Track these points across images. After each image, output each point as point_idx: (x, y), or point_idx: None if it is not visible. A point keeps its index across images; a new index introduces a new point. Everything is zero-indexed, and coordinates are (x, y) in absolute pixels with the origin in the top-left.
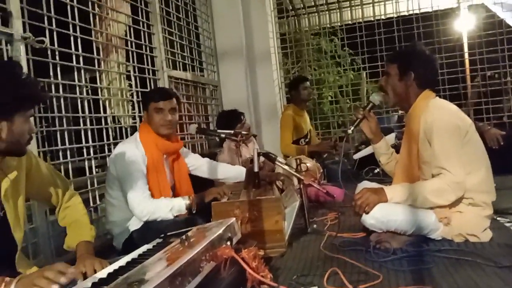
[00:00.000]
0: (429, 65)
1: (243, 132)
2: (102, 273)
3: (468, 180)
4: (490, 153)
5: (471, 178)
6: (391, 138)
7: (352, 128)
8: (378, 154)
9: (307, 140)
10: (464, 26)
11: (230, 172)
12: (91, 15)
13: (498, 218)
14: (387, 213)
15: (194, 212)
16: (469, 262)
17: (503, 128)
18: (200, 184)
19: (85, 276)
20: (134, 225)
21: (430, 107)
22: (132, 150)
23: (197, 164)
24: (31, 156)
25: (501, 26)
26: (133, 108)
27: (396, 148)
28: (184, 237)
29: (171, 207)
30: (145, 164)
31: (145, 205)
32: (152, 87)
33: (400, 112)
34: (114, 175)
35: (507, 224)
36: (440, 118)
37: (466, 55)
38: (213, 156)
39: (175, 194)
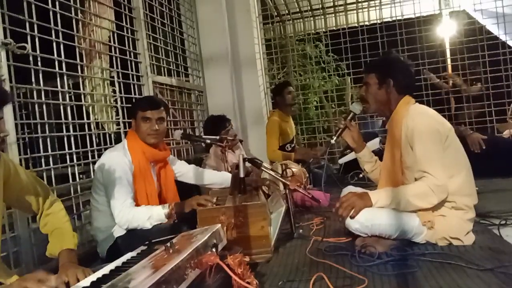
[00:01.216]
0: (406, 70)
1: (229, 138)
2: (85, 282)
3: (450, 184)
4: (473, 157)
5: (453, 182)
6: (375, 142)
7: (334, 138)
8: (362, 162)
9: (292, 145)
10: (446, 32)
11: (215, 178)
12: (74, 21)
13: (481, 221)
14: (372, 218)
15: (175, 221)
16: (452, 266)
17: (485, 132)
18: (186, 191)
19: (67, 286)
20: (119, 231)
21: (411, 112)
22: (119, 158)
23: (183, 171)
24: (9, 163)
25: (482, 32)
26: (117, 114)
27: (381, 152)
28: (168, 244)
29: (149, 216)
30: (132, 172)
31: (124, 213)
32: (137, 93)
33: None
34: (100, 181)
35: (490, 227)
36: (420, 123)
37: (449, 61)
38: (198, 162)
39: (161, 202)
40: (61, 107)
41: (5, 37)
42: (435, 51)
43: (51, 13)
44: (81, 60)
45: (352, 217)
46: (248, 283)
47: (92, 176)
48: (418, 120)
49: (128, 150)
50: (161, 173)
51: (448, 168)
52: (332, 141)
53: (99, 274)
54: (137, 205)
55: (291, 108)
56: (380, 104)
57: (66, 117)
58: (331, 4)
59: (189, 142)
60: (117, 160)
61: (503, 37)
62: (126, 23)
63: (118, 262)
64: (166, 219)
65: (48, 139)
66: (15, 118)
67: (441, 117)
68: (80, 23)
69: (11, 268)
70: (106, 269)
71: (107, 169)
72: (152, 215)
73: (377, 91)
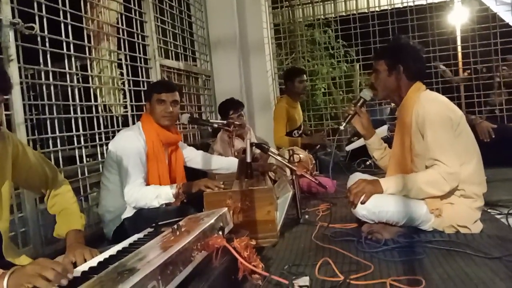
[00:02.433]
0: (416, 56)
1: (236, 122)
2: (93, 262)
3: (460, 172)
4: (482, 146)
5: (464, 170)
6: (383, 130)
7: (344, 124)
8: (371, 149)
9: (300, 132)
10: (458, 19)
11: (222, 163)
12: (82, 1)
13: (489, 210)
14: (379, 204)
15: (184, 201)
16: (459, 253)
17: (495, 121)
18: (193, 178)
19: (75, 265)
20: (126, 213)
21: (422, 99)
22: (134, 137)
23: (192, 156)
24: (18, 143)
25: (495, 19)
26: (125, 97)
27: (388, 140)
28: (175, 226)
29: (157, 194)
30: (145, 152)
31: (134, 191)
32: (144, 76)
33: (392, 104)
34: (113, 159)
35: (498, 216)
36: (432, 110)
37: (459, 48)
38: (205, 147)
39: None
40: (69, 88)
41: (13, 17)
42: (446, 38)
43: None
44: (89, 42)
45: (363, 203)
46: (254, 266)
47: (100, 158)
48: (429, 107)
49: (143, 131)
50: (172, 156)
51: (459, 156)
52: (341, 127)
53: (106, 254)
54: (148, 185)
55: (300, 96)
56: (390, 91)
57: (73, 99)
58: None
59: (196, 127)
60: (132, 139)
61: None
62: (134, 5)
63: (125, 243)
64: (174, 198)
65: (56, 121)
66: (23, 99)
67: (452, 104)
68: (88, 4)
69: (19, 248)
70: (113, 250)
71: (121, 147)
72: (160, 194)
73: (387, 78)
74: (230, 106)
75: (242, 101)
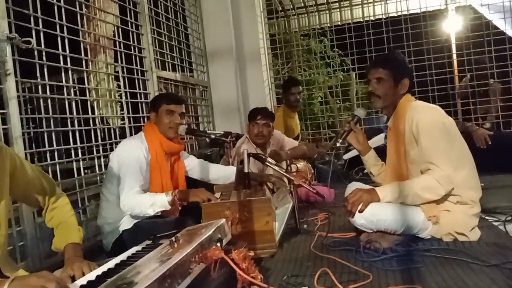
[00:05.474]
0: (411, 71)
1: (233, 133)
2: (91, 276)
3: (454, 176)
4: (478, 153)
5: (457, 174)
6: (380, 138)
7: (340, 140)
8: (368, 166)
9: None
10: (452, 27)
11: (220, 172)
12: (78, 15)
13: (486, 217)
14: (377, 213)
15: (179, 208)
16: (457, 261)
17: (491, 128)
18: (193, 185)
19: (73, 279)
20: (125, 225)
21: (413, 106)
22: (136, 145)
23: (192, 165)
24: (15, 157)
25: (488, 27)
26: (122, 109)
27: (386, 148)
28: (173, 238)
29: (152, 202)
30: (148, 161)
31: (129, 199)
32: (141, 88)
33: None
34: (114, 168)
35: (496, 223)
36: (425, 115)
37: (454, 56)
38: (203, 157)
39: None
40: (66, 101)
41: (10, 31)
42: (441, 46)
43: (55, 7)
44: (86, 54)
45: (360, 211)
46: (252, 277)
47: (97, 171)
48: (423, 113)
49: (146, 140)
50: (174, 166)
51: (452, 160)
52: (338, 144)
53: (104, 268)
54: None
55: (297, 105)
56: (389, 100)
57: (71, 112)
58: None
59: (193, 138)
60: (133, 147)
61: (510, 32)
62: (131, 18)
63: (123, 256)
64: (170, 206)
65: (53, 134)
66: (20, 113)
67: (443, 111)
68: (84, 17)
69: (17, 262)
70: (111, 263)
71: (122, 156)
72: (156, 202)
73: (391, 88)
74: (258, 113)
75: (239, 111)
